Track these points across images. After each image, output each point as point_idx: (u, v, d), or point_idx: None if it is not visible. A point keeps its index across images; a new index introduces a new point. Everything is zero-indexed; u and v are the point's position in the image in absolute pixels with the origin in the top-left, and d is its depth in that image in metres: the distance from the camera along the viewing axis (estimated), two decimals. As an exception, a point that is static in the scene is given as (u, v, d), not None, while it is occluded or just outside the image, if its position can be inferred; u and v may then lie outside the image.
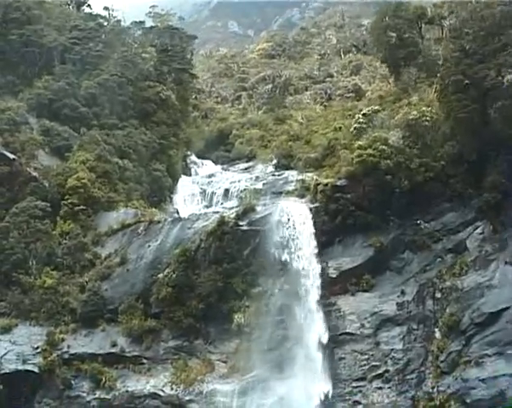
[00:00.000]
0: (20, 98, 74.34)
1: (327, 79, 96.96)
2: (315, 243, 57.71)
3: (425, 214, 57.56)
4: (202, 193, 73.72)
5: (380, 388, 52.68)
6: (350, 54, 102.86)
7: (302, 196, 64.30)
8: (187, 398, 53.91)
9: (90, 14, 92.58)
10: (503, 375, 49.48)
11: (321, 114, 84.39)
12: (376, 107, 69.03)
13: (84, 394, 55.45)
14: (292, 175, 70.28)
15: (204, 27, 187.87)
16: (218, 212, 63.01)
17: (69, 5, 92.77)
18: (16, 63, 77.88)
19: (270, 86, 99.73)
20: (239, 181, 73.15)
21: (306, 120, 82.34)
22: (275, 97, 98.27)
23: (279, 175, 72.17)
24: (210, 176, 76.78)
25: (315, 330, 55.51)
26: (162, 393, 54.53)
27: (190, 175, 77.12)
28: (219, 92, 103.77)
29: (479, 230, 55.78)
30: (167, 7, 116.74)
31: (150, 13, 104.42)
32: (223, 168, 78.53)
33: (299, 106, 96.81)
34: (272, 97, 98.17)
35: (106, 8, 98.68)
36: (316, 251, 57.76)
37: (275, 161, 75.77)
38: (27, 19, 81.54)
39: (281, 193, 68.16)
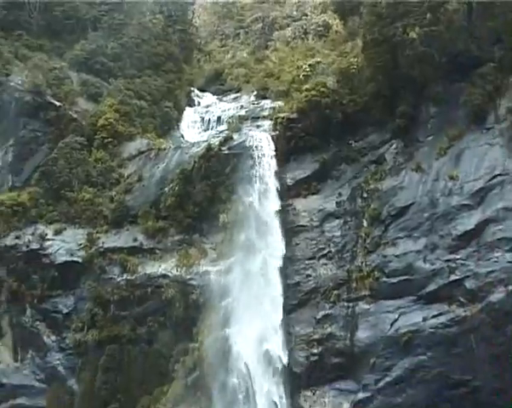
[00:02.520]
0: (64, 58, 73.18)
1: (303, 17, 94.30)
2: (275, 161, 59.05)
3: (355, 136, 58.92)
4: (201, 120, 72.28)
5: (325, 264, 54.78)
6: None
7: (272, 119, 64.83)
8: (188, 277, 56.39)
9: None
10: (411, 251, 51.78)
11: (289, 54, 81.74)
12: (318, 59, 67.44)
13: (115, 277, 58.11)
14: (266, 104, 70.24)
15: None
16: (206, 141, 63.31)
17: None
18: (60, 32, 77.65)
19: (260, 24, 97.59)
20: (228, 109, 71.84)
21: (278, 60, 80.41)
22: (264, 33, 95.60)
23: (257, 104, 71.43)
24: (208, 106, 74.88)
25: (276, 223, 57.31)
26: (170, 274, 56.80)
27: (194, 106, 75.80)
28: (223, 30, 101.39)
29: (393, 146, 57.08)
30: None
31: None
32: (218, 99, 76.97)
33: (284, 39, 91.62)
34: (262, 33, 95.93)
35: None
36: (276, 167, 58.97)
37: (255, 93, 74.44)
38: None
39: (258, 117, 68.44)
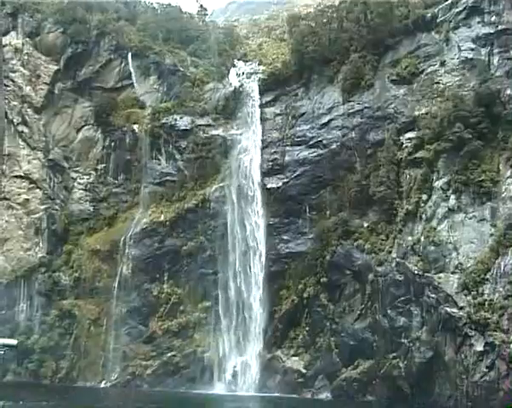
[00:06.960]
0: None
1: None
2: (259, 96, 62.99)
3: (288, 85, 63.77)
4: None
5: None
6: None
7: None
8: (227, 136, 63.05)
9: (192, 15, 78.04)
10: (304, 135, 60.59)
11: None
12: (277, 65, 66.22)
13: (201, 134, 63.16)
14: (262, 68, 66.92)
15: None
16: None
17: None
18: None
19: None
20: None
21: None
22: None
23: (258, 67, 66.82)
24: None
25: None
26: (220, 134, 62.86)
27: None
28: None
29: (301, 90, 62.97)
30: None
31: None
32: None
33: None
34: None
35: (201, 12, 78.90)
36: (259, 95, 63.87)
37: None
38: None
39: (257, 73, 67.04)
